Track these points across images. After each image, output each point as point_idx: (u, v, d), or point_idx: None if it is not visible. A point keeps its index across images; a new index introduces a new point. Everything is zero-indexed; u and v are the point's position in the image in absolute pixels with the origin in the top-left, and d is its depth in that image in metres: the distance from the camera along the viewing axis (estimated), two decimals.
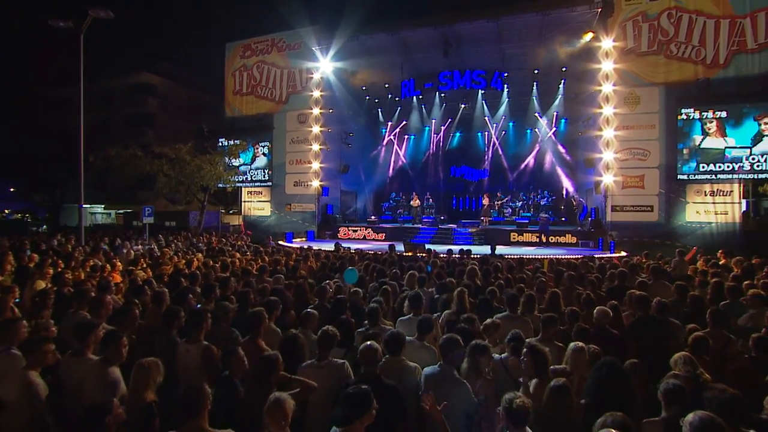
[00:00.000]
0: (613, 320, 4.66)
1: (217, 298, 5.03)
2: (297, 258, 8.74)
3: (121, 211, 30.85)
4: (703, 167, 14.70)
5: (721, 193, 14.88)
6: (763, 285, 6.30)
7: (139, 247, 11.12)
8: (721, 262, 9.28)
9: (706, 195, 15.00)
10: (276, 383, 2.90)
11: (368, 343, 3.03)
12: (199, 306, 4.88)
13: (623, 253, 12.92)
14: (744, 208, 14.86)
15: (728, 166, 14.53)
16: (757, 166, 14.33)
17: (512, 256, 10.03)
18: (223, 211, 27.86)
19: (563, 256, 10.91)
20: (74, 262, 7.50)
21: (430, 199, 21.80)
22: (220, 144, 18.38)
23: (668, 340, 4.40)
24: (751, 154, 14.37)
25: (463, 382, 3.00)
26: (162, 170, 15.77)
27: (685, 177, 15.01)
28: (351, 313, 4.74)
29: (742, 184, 14.88)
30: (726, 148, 14.52)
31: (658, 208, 15.45)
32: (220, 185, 19.93)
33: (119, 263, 7.78)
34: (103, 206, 33.48)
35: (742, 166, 14.42)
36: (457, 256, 9.92)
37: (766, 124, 14.28)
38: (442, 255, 9.58)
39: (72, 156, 11.43)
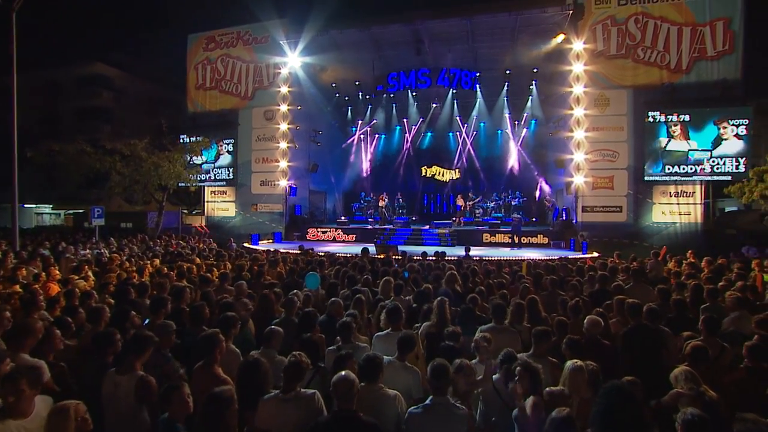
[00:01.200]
0: (603, 329, 4.38)
1: (168, 313, 4.38)
2: (261, 263, 8.08)
3: (71, 212, 28.59)
4: (668, 169, 15.06)
5: (685, 194, 15.31)
6: (740, 287, 6.26)
7: (87, 251, 10.10)
8: (690, 262, 9.37)
9: (670, 196, 15.39)
10: (230, 427, 2.36)
11: (342, 374, 2.53)
12: (147, 322, 4.24)
13: (595, 254, 12.97)
14: (703, 209, 15.32)
15: (691, 168, 14.95)
16: (717, 168, 14.82)
17: (489, 258, 9.74)
18: (185, 211, 26.45)
19: (540, 258, 10.75)
20: (2, 270, 6.57)
21: (401, 200, 21.46)
22: (181, 141, 17.21)
23: (662, 350, 4.15)
24: (711, 157, 14.85)
25: (465, 414, 2.57)
26: (115, 168, 14.50)
27: (651, 178, 15.34)
28: (322, 328, 4.22)
29: (703, 186, 15.35)
30: (689, 150, 14.94)
31: (626, 208, 15.73)
32: (181, 184, 18.80)
33: (57, 271, 6.89)
34: (51, 206, 31.06)
35: (704, 169, 14.88)
36: (431, 258, 9.55)
37: (724, 128, 14.80)
38: (416, 257, 9.17)
39: (9, 150, 10.23)
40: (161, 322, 3.75)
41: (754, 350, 3.82)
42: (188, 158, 17.70)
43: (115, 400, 2.89)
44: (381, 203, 19.90)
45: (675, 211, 15.36)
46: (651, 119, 15.14)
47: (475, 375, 2.99)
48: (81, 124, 30.83)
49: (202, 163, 19.93)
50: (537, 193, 20.58)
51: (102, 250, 10.30)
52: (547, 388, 3.00)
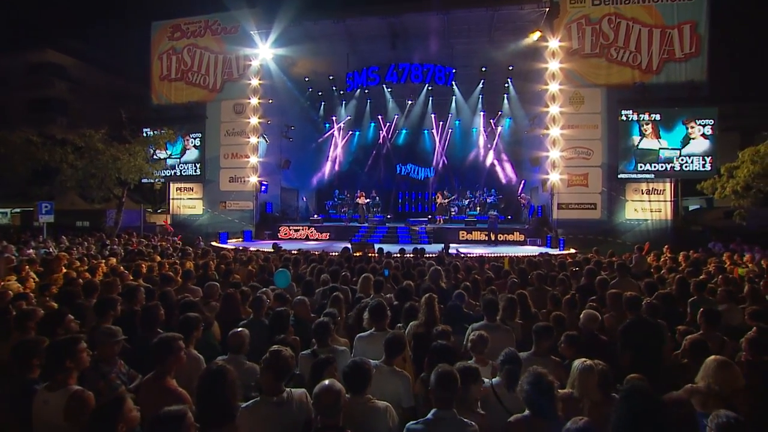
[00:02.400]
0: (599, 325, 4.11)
1: (117, 316, 3.80)
2: (228, 261, 7.47)
3: (18, 210, 26.36)
4: (641, 167, 15.30)
5: (656, 192, 15.62)
6: (723, 279, 6.20)
7: (31, 251, 9.14)
8: (671, 257, 9.42)
9: (642, 193, 15.67)
10: None
11: (326, 384, 2.09)
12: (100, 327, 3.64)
13: (573, 250, 12.96)
14: (672, 206, 15.69)
15: (662, 167, 15.25)
16: (686, 167, 15.18)
17: (469, 255, 9.47)
18: (149, 210, 25.06)
19: (522, 254, 10.58)
20: None
21: (377, 198, 21.07)
22: (144, 133, 16.04)
23: (662, 345, 3.91)
24: (680, 156, 15.19)
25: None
26: (66, 160, 13.27)
27: (624, 176, 15.55)
28: (295, 329, 3.75)
29: (673, 184, 15.69)
30: (660, 149, 15.23)
31: (600, 205, 15.89)
32: (145, 180, 17.69)
33: None
34: None
35: (674, 167, 15.20)
36: (410, 255, 9.19)
37: (692, 128, 15.18)
38: (395, 255, 8.77)
39: None
40: (104, 327, 3.17)
41: (753, 343, 3.63)
42: (151, 152, 16.60)
43: (43, 421, 2.35)
44: (361, 201, 19.41)
45: (647, 208, 15.65)
46: (624, 118, 15.34)
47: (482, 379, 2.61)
48: (32, 116, 28.68)
49: (167, 158, 18.85)
50: (518, 190, 20.59)
51: (50, 249, 9.37)
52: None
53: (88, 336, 3.53)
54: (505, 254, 10.58)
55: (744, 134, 23.57)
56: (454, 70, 18.95)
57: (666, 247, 9.98)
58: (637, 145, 15.28)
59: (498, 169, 21.97)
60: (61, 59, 30.96)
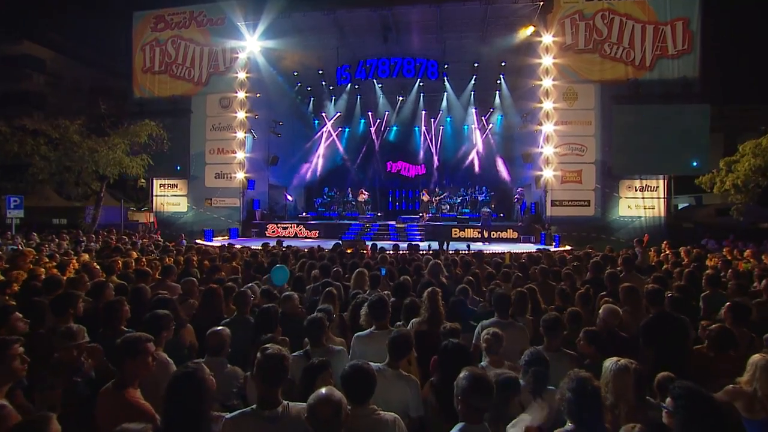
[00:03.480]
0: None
1: (79, 315, 3.34)
2: (212, 257, 6.99)
3: None
4: (634, 163, 15.16)
5: (649, 189, 15.49)
6: (733, 273, 5.96)
7: None
8: (674, 252, 9.21)
9: (636, 190, 15.54)
10: None
11: (323, 393, 1.69)
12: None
13: (568, 247, 12.73)
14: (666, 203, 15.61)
15: (654, 163, 15.13)
16: (676, 163, 15.11)
17: (465, 251, 9.12)
18: (133, 208, 24.21)
19: (520, 251, 10.28)
20: None
21: (367, 195, 20.65)
22: (125, 126, 15.28)
23: (686, 341, 3.58)
24: (671, 152, 15.07)
25: None
26: (38, 152, 12.51)
27: (617, 172, 15.41)
28: (284, 328, 3.33)
29: (666, 180, 15.60)
30: (653, 145, 15.08)
31: (594, 202, 15.72)
32: (127, 175, 16.97)
33: None
34: None
35: (664, 164, 15.11)
36: (404, 251, 8.82)
37: (680, 125, 15.08)
38: (389, 252, 8.37)
39: None
40: (64, 327, 2.71)
41: None
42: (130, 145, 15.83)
43: None
44: (361, 198, 19.08)
45: (640, 205, 15.52)
46: (617, 114, 15.18)
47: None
48: (7, 110, 27.52)
49: (150, 153, 18.11)
50: (513, 188, 20.33)
51: (19, 246, 8.75)
52: None
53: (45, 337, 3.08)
54: (504, 250, 10.27)
55: (728, 135, 23.72)
56: (446, 66, 18.67)
57: (665, 242, 9.78)
58: (630, 142, 15.12)
59: (489, 166, 21.69)
60: (39, 52, 29.87)
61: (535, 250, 8.97)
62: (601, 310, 3.54)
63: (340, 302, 4.27)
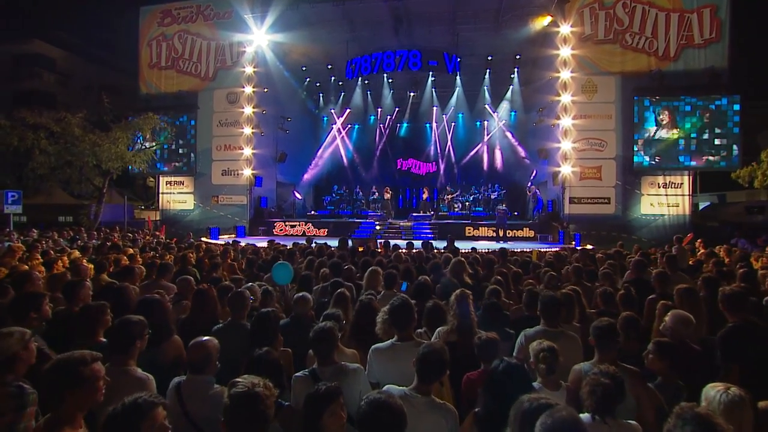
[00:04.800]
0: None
1: (48, 318, 2.83)
2: (213, 255, 6.47)
3: None
4: (657, 159, 14.43)
5: (673, 185, 14.74)
6: None
7: None
8: (701, 252, 8.55)
9: (659, 187, 14.79)
10: None
11: None
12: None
13: (589, 246, 12.05)
14: (690, 201, 14.83)
15: (681, 158, 14.38)
16: (703, 158, 14.32)
17: (485, 251, 8.53)
18: (142, 207, 23.99)
19: (546, 249, 9.66)
20: None
21: (376, 193, 20.14)
22: (129, 120, 14.93)
23: None
24: (699, 146, 14.33)
25: None
26: (38, 146, 12.16)
27: (640, 168, 14.67)
28: (292, 338, 2.79)
29: (691, 177, 14.83)
30: (678, 138, 14.36)
31: (614, 200, 15.00)
32: (136, 171, 16.61)
33: None
34: None
35: (693, 158, 14.34)
36: (417, 250, 8.23)
37: (709, 117, 14.33)
38: (402, 250, 7.81)
39: None
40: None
41: None
42: (139, 141, 15.47)
43: None
44: (387, 196, 18.84)
45: (663, 202, 14.75)
46: (639, 107, 14.44)
47: None
48: (17, 109, 27.57)
49: (155, 148, 17.82)
50: (526, 186, 19.70)
51: (14, 243, 8.36)
52: None
53: None
54: (530, 249, 9.65)
55: (748, 132, 22.60)
56: (459, 59, 18.03)
57: (699, 241, 9.10)
58: (653, 136, 14.40)
59: (502, 163, 21.01)
60: (50, 51, 29.91)
61: (559, 248, 8.35)
62: (668, 317, 2.95)
63: (352, 305, 3.73)
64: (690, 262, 7.51)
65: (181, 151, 18.19)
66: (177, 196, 18.76)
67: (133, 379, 2.06)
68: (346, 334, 2.87)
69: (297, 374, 2.20)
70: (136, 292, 3.60)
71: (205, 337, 2.16)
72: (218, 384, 2.19)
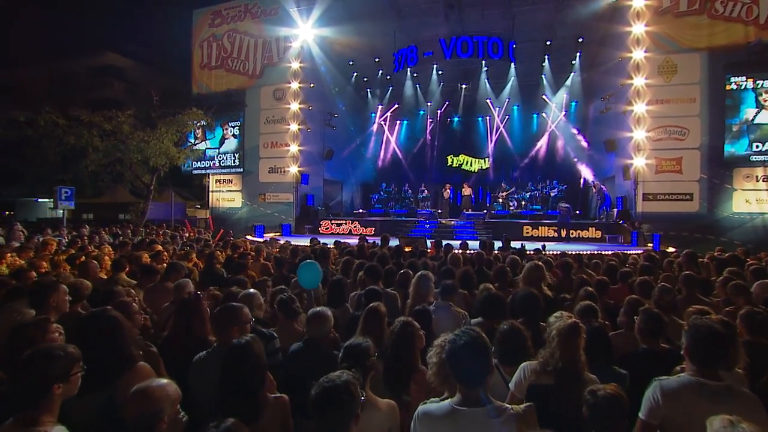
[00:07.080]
0: None
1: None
2: (241, 253, 5.91)
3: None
4: (757, 147, 12.30)
5: None
6: None
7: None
8: None
9: (758, 180, 12.62)
10: None
11: None
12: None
13: (672, 249, 10.40)
14: None
15: None
16: None
17: (551, 253, 7.37)
18: (198, 206, 24.74)
19: (628, 252, 8.27)
20: None
21: (426, 191, 19.20)
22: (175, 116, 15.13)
23: None
24: None
25: None
26: (91, 143, 12.52)
27: (732, 159, 12.60)
28: (303, 371, 2.00)
29: None
30: None
31: (698, 196, 13.02)
32: (186, 168, 16.93)
33: None
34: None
35: None
36: (473, 251, 7.19)
37: None
38: (456, 251, 6.83)
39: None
40: None
41: None
42: (192, 139, 15.69)
43: None
44: (446, 194, 18.27)
45: (763, 199, 12.57)
46: (734, 86, 12.39)
47: None
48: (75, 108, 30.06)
49: (206, 149, 18.11)
50: (581, 181, 17.97)
51: (63, 238, 8.41)
52: None
53: None
54: (594, 252, 8.32)
55: None
56: (514, 45, 16.60)
57: None
58: (753, 120, 12.30)
59: (563, 158, 19.26)
60: (120, 61, 32.32)
61: (642, 251, 7.02)
62: None
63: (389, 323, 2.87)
64: None
65: (229, 149, 18.35)
66: (225, 194, 18.96)
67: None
68: (379, 373, 2.00)
69: None
70: (132, 295, 2.99)
71: (156, 381, 1.41)
72: None
